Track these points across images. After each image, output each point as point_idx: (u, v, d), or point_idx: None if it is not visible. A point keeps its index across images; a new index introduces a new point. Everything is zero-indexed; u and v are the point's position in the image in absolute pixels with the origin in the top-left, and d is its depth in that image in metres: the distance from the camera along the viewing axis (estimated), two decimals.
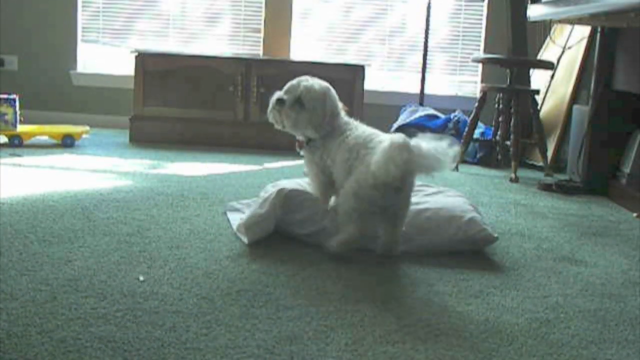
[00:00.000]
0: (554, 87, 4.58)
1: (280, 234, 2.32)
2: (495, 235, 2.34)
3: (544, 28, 4.76)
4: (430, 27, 5.00)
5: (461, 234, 2.29)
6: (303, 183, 2.51)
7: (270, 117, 2.36)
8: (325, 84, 2.34)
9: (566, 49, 4.56)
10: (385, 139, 2.08)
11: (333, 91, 2.34)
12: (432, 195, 2.61)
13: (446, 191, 2.68)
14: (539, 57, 4.78)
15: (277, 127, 2.37)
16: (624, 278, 2.18)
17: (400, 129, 4.48)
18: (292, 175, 3.17)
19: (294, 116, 2.29)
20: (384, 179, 2.00)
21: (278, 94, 2.34)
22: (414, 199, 2.39)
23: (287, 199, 2.31)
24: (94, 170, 3.43)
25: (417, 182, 2.92)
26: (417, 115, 4.59)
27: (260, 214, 2.27)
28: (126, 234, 2.29)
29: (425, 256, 2.25)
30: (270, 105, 2.34)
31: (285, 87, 2.34)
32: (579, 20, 3.66)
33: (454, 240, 2.29)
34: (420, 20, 5.06)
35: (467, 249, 2.31)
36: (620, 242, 2.65)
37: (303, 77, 2.34)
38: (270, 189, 2.57)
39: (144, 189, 3.02)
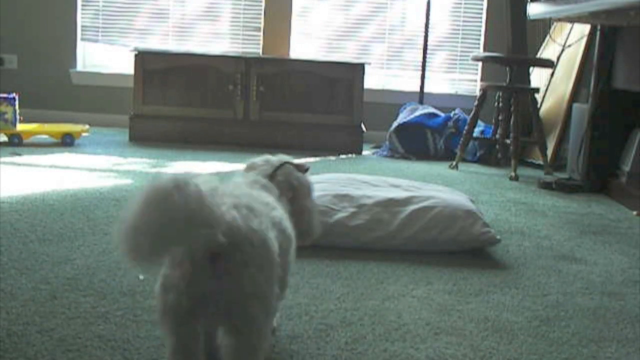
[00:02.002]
0: (553, 85, 4.58)
1: None
2: (498, 237, 2.34)
3: (544, 26, 4.76)
4: (430, 24, 4.99)
5: (465, 234, 2.29)
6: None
7: None
8: None
9: (566, 47, 4.56)
10: None
11: None
12: (434, 193, 2.60)
13: (445, 190, 2.68)
14: (538, 56, 4.78)
15: None
16: (624, 276, 2.18)
17: (400, 128, 4.48)
18: None
19: None
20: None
21: None
22: (415, 196, 2.38)
23: None
24: (93, 169, 3.43)
25: (416, 182, 2.90)
26: (416, 113, 4.59)
27: None
28: None
29: (425, 254, 2.25)
30: None
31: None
32: (579, 19, 3.67)
33: (457, 240, 2.29)
34: (420, 17, 5.06)
35: (469, 248, 2.31)
36: (620, 240, 2.65)
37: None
38: None
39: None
